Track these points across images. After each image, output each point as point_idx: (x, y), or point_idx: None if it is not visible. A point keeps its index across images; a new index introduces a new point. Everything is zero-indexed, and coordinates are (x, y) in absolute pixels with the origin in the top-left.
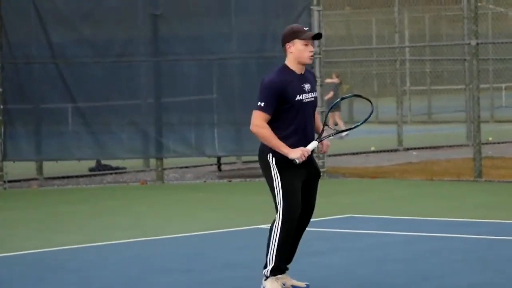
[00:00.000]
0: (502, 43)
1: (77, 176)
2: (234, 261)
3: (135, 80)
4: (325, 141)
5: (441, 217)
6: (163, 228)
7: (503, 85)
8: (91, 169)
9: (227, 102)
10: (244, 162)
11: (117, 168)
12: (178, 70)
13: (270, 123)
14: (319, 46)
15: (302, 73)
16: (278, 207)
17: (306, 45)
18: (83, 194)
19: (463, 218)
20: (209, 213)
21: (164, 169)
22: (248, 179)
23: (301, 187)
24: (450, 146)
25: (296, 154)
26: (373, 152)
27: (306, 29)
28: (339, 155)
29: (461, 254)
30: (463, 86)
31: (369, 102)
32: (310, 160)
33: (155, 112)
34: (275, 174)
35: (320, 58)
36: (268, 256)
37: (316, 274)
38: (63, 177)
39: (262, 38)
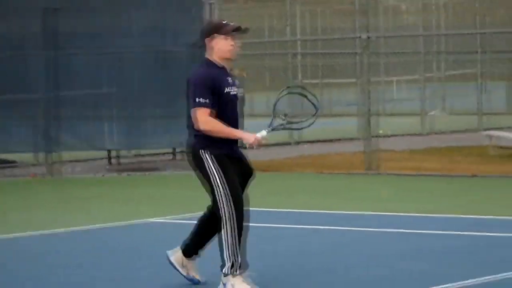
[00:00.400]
0: (393, 37)
1: None
2: (124, 255)
3: (31, 74)
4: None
5: (331, 210)
6: (53, 222)
7: (395, 79)
8: None
9: (124, 96)
10: (135, 155)
11: (7, 161)
12: (75, 64)
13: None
14: None
15: (224, 67)
16: (220, 204)
17: (226, 39)
18: None
19: (352, 211)
20: (102, 206)
21: (55, 162)
22: (139, 173)
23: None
24: (341, 140)
25: (250, 139)
26: (265, 145)
27: (225, 22)
28: None
29: (350, 247)
30: (354, 80)
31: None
32: (241, 158)
33: (50, 106)
34: (215, 170)
35: None
36: (227, 255)
37: (202, 266)
38: None
39: (159, 33)
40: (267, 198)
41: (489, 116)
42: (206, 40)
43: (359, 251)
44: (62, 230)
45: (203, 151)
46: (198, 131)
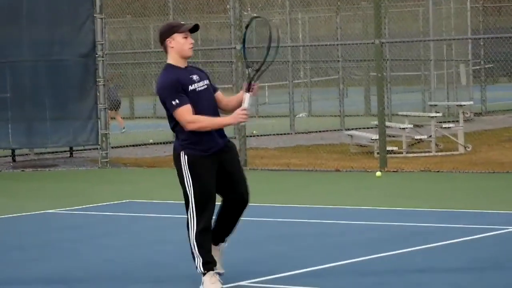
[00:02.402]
0: (261, 48)
1: None
2: (22, 244)
3: None
4: (254, 87)
5: None
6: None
7: (266, 85)
8: None
9: (19, 100)
10: (36, 153)
11: None
12: None
13: (177, 122)
14: (102, 50)
15: (186, 66)
16: (189, 208)
17: (185, 37)
18: None
19: None
20: (3, 199)
21: None
22: (39, 169)
23: (219, 176)
24: None
25: (239, 119)
26: (151, 144)
27: (183, 22)
28: (121, 147)
29: None
30: (231, 85)
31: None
32: (230, 149)
33: None
34: (186, 171)
35: (103, 60)
36: (194, 254)
37: (97, 254)
38: None
39: (50, 43)
40: (153, 191)
41: (349, 117)
42: (167, 41)
43: (232, 237)
44: None
45: (182, 153)
46: (183, 133)
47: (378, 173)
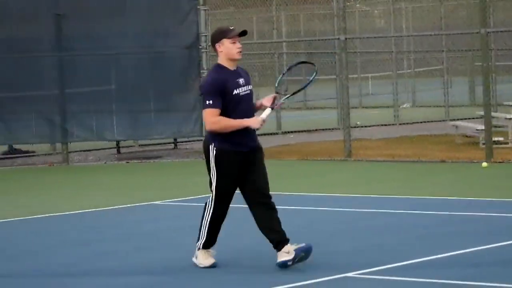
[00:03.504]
0: (367, 38)
1: None
2: (129, 234)
3: (41, 73)
4: (278, 104)
5: (313, 192)
6: (66, 205)
7: (370, 75)
8: (3, 153)
9: (123, 92)
10: (141, 145)
11: (27, 152)
12: (80, 64)
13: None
14: (205, 41)
15: (235, 69)
16: (211, 195)
17: (233, 43)
18: None
19: (333, 193)
20: (109, 191)
21: (69, 152)
22: (144, 161)
23: (242, 174)
24: (323, 130)
25: (255, 124)
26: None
27: (232, 28)
28: None
29: (329, 224)
30: (334, 76)
31: (313, 66)
32: (254, 150)
33: (59, 101)
34: (213, 166)
35: (207, 52)
36: (201, 232)
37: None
38: None
39: (153, 35)
40: None
41: (453, 108)
42: (216, 45)
43: (337, 228)
44: (80, 211)
45: (212, 146)
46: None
47: (484, 164)
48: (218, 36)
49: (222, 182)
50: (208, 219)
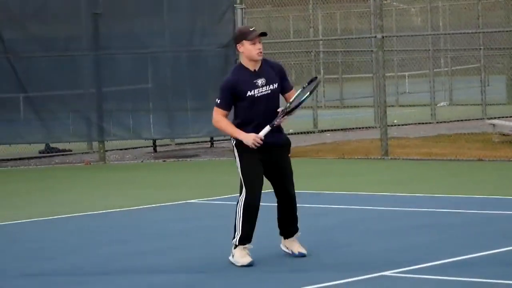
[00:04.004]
0: (404, 36)
1: (28, 158)
2: (166, 232)
3: (78, 72)
4: (277, 123)
5: (350, 191)
6: (103, 204)
7: (407, 74)
8: (41, 152)
9: (160, 91)
10: (177, 144)
11: (64, 150)
12: (117, 63)
13: (234, 114)
14: None
15: (256, 69)
16: (241, 187)
17: (253, 43)
18: (33, 174)
19: (370, 192)
20: (146, 190)
21: (106, 151)
22: (181, 159)
23: (269, 169)
24: (360, 128)
25: (249, 141)
26: (291, 134)
27: (252, 29)
28: None
29: (369, 223)
30: (371, 75)
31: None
32: (269, 145)
33: (96, 100)
34: (236, 156)
35: None
36: (236, 227)
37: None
38: (16, 159)
39: (190, 34)
40: (294, 181)
41: (491, 106)
42: (237, 46)
43: (373, 226)
44: (117, 210)
45: (233, 139)
46: (235, 119)
47: None
48: (239, 37)
49: (246, 164)
50: (241, 210)
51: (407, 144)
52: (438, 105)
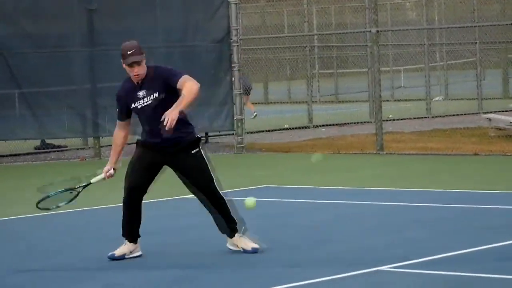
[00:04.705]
0: (399, 30)
1: (24, 154)
2: (159, 229)
3: (72, 68)
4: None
5: (345, 186)
6: (98, 200)
7: (402, 68)
8: (36, 148)
9: None
10: None
11: (59, 146)
12: (111, 59)
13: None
14: (236, 35)
15: (139, 81)
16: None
17: (130, 67)
18: (29, 170)
19: (365, 187)
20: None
21: (101, 146)
22: None
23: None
24: (355, 123)
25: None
26: (286, 129)
27: (129, 53)
28: (256, 132)
29: (362, 218)
30: (366, 69)
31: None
32: (158, 147)
33: (91, 96)
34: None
35: (238, 45)
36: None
37: None
38: (11, 155)
39: (184, 30)
40: (289, 176)
41: (487, 100)
42: (122, 63)
43: (369, 221)
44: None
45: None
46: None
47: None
48: (121, 57)
49: (133, 161)
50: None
51: (402, 138)
52: (433, 99)
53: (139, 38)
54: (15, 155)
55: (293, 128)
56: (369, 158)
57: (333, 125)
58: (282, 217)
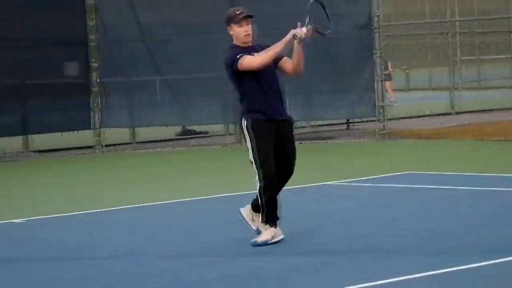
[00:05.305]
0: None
1: (165, 140)
2: (298, 216)
3: (215, 55)
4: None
5: (488, 173)
6: (242, 185)
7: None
8: (177, 134)
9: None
10: (313, 126)
11: (201, 133)
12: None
13: (241, 91)
14: (378, 22)
15: (247, 47)
16: (257, 171)
17: (240, 26)
18: (171, 156)
19: (509, 173)
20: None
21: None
22: (317, 141)
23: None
24: (498, 110)
25: (293, 32)
26: (428, 115)
27: (239, 12)
28: (398, 118)
29: (506, 207)
30: (509, 56)
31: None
32: (278, 122)
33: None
34: (250, 137)
35: (379, 32)
36: (263, 210)
37: (376, 225)
38: (153, 141)
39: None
40: (434, 163)
41: None
42: (227, 29)
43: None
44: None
45: (244, 120)
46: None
47: None
48: (226, 21)
49: (260, 146)
50: (262, 192)
51: None
52: None
53: (280, 23)
54: (157, 141)
55: (435, 115)
56: None
57: (476, 111)
58: (428, 205)
